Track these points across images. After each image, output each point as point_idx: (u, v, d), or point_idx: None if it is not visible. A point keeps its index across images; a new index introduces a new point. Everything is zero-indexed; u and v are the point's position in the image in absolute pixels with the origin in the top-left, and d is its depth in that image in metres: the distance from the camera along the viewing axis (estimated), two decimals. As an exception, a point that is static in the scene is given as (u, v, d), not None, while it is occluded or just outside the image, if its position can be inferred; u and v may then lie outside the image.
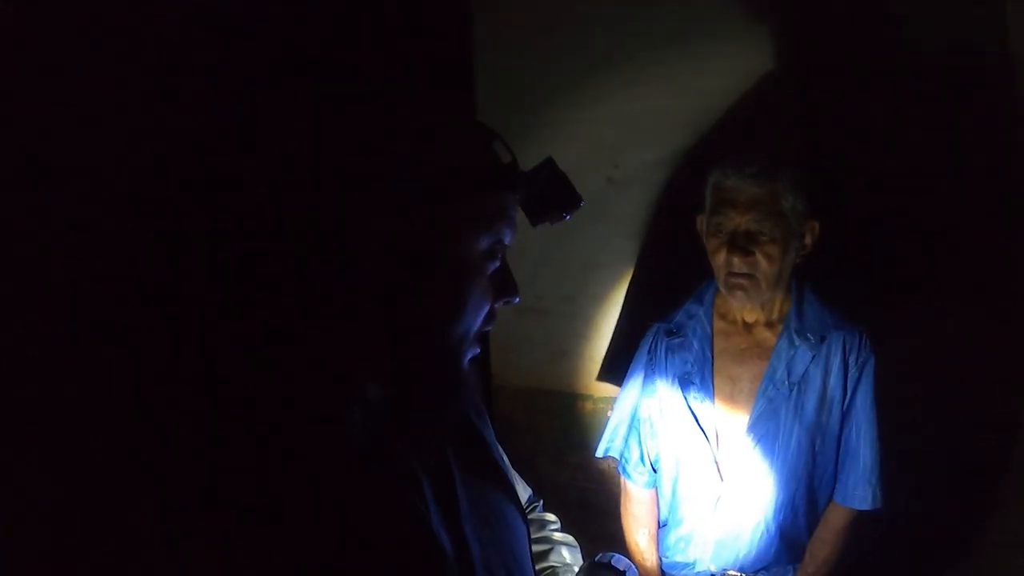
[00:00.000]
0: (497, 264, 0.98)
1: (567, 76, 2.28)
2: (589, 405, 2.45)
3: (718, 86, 2.07)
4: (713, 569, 1.87)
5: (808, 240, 1.76)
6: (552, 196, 1.00)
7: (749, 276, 1.73)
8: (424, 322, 0.96)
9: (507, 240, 0.98)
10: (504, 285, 1.00)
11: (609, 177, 2.30)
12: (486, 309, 0.99)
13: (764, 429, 1.79)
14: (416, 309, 0.95)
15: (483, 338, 1.03)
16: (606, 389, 2.36)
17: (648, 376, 1.95)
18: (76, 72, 1.22)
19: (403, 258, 0.93)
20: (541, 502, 1.43)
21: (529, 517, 1.31)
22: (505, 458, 1.24)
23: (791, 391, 1.77)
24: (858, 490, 1.76)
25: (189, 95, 1.39)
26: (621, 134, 2.25)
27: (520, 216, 1.00)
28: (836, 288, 1.84)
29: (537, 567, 1.33)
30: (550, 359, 2.52)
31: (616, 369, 2.21)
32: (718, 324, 1.88)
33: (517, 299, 1.01)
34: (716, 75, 2.06)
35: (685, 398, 1.87)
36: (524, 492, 1.35)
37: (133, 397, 1.30)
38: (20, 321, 1.21)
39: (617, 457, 2.04)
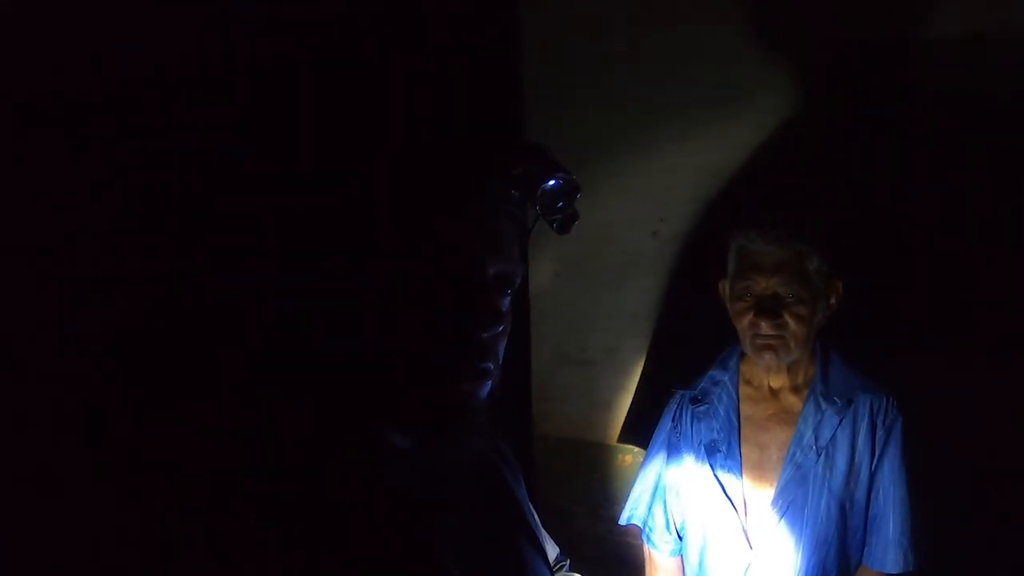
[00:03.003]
0: (474, 289, 0.92)
1: (616, 129, 2.32)
2: (629, 458, 2.43)
3: (766, 143, 2.08)
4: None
5: (833, 300, 1.77)
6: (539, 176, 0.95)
7: (778, 336, 1.73)
8: (401, 350, 0.92)
9: (488, 266, 0.92)
10: (479, 312, 0.91)
11: (655, 231, 2.31)
12: (456, 340, 0.91)
13: (792, 495, 1.77)
14: (391, 336, 0.92)
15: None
16: (646, 443, 2.34)
17: (673, 444, 1.95)
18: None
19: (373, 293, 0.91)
20: (568, 561, 1.42)
21: None
22: (536, 516, 1.23)
23: (819, 456, 1.76)
24: (889, 553, 1.74)
25: (236, 106, 1.43)
26: (669, 188, 2.27)
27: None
28: (864, 348, 1.85)
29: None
30: (592, 411, 2.51)
31: (642, 427, 2.20)
32: (744, 390, 1.88)
33: (494, 329, 0.92)
34: (764, 132, 2.08)
35: (712, 466, 1.86)
36: (552, 551, 1.35)
37: (156, 413, 1.33)
38: (46, 329, 1.24)
39: (640, 525, 2.03)
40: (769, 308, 1.72)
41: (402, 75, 1.91)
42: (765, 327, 1.72)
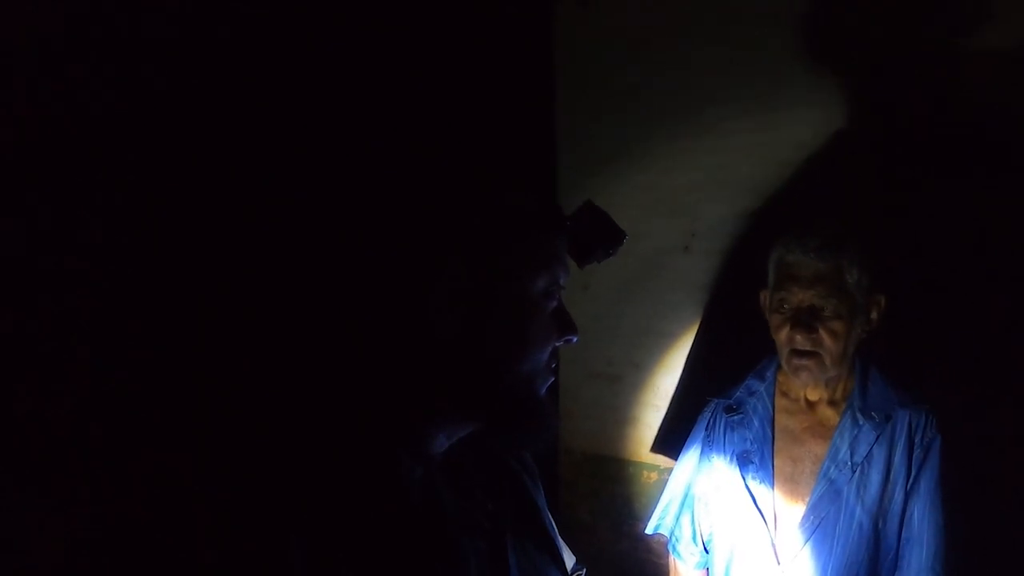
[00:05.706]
0: (555, 304, 1.01)
1: (648, 143, 2.32)
2: (654, 475, 2.41)
3: (799, 156, 2.07)
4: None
5: (874, 315, 1.74)
6: (596, 234, 1.04)
7: (813, 354, 1.71)
8: (493, 363, 0.97)
9: (562, 281, 1.02)
10: (564, 324, 1.03)
11: (687, 246, 2.30)
12: (550, 347, 1.01)
13: (825, 511, 1.73)
14: (483, 351, 0.96)
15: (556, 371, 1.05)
16: (672, 460, 2.33)
17: (705, 453, 1.92)
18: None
19: (469, 301, 0.94)
20: (584, 570, 1.41)
21: None
22: (554, 524, 1.23)
23: (854, 472, 1.72)
24: None
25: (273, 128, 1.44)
26: (700, 202, 2.26)
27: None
28: (904, 364, 1.81)
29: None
30: (617, 426, 2.50)
31: (671, 441, 2.17)
32: (780, 402, 1.86)
33: (576, 338, 1.04)
34: (797, 146, 2.07)
35: (743, 477, 1.83)
36: (569, 559, 1.34)
37: (178, 422, 1.33)
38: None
39: (667, 535, 2.00)
40: (805, 321, 1.69)
41: (434, 86, 1.92)
42: (800, 340, 1.70)
